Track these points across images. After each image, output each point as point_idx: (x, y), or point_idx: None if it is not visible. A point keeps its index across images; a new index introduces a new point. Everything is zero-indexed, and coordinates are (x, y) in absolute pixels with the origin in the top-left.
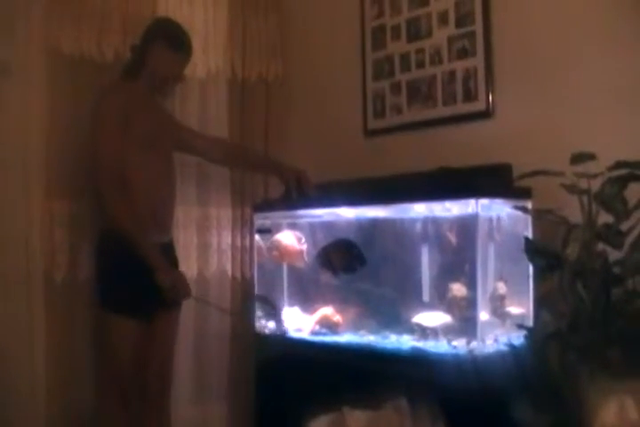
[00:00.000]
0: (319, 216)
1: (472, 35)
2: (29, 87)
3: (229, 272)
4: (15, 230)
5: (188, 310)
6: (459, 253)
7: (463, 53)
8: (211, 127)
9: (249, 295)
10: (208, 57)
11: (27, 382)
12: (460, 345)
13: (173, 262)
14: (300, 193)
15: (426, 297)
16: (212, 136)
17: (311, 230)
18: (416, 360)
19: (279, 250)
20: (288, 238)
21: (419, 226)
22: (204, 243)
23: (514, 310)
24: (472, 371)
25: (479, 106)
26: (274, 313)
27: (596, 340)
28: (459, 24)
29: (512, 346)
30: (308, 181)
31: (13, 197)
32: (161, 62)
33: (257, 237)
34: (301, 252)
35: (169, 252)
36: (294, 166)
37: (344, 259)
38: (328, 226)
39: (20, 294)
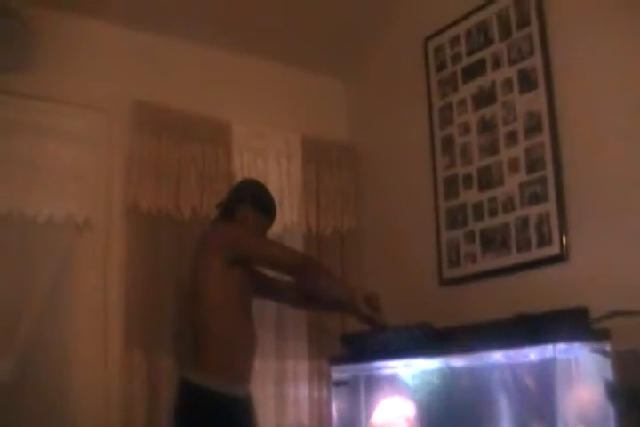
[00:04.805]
0: (397, 367)
1: (543, 180)
2: (109, 243)
3: (307, 425)
4: (94, 382)
5: None
6: (538, 398)
7: (535, 199)
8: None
9: None
10: (283, 212)
11: None
12: None
13: (252, 417)
14: (376, 328)
15: None
16: (286, 280)
17: (390, 382)
18: None
19: None
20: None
21: (497, 372)
22: (281, 395)
23: None
24: None
25: (553, 250)
26: None
27: None
28: (529, 170)
29: None
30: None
31: (93, 348)
32: (248, 221)
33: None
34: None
35: (248, 406)
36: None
37: None
38: (406, 376)
39: None
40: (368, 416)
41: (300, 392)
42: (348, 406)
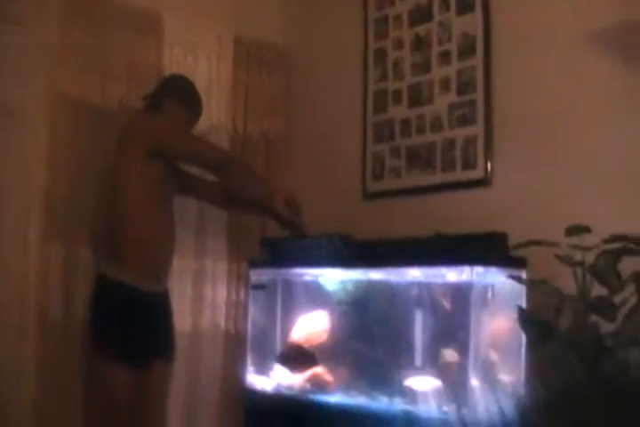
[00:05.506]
0: (315, 275)
1: (473, 103)
2: (32, 130)
3: (223, 326)
4: (11, 271)
5: (178, 365)
6: (452, 319)
7: (463, 121)
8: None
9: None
10: (210, 110)
11: (14, 425)
12: (450, 411)
13: (168, 313)
14: (295, 234)
15: (418, 361)
16: (209, 179)
17: (307, 289)
18: (406, 424)
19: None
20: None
21: (413, 290)
22: (199, 296)
23: (505, 377)
24: None
25: (477, 174)
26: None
27: (585, 411)
28: (460, 92)
29: (502, 414)
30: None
31: (11, 238)
32: (174, 115)
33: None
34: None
35: (164, 302)
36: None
37: (298, 361)
38: (323, 285)
39: (12, 334)
40: (283, 321)
41: (218, 294)
42: (264, 309)
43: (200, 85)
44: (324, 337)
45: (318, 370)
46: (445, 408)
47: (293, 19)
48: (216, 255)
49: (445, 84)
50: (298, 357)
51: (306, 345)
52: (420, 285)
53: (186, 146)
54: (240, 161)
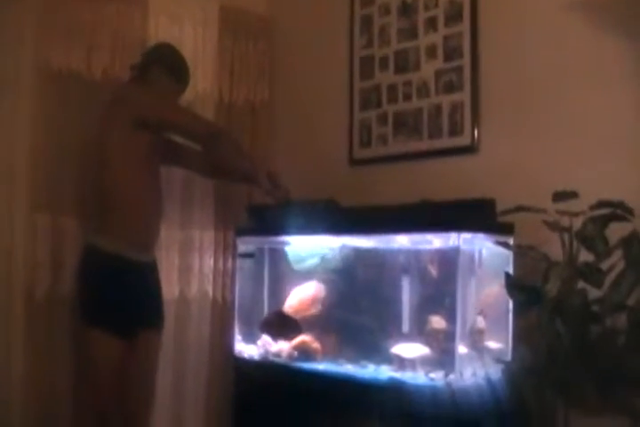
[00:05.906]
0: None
1: (459, 69)
2: (16, 100)
3: (210, 295)
4: None
5: (167, 334)
6: (439, 286)
7: (450, 87)
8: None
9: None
10: (196, 79)
11: (2, 399)
12: (437, 377)
13: (156, 283)
14: (279, 202)
15: (405, 328)
16: (196, 149)
17: None
18: (393, 391)
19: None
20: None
21: (400, 257)
22: (186, 265)
23: (492, 344)
24: (449, 403)
25: (464, 140)
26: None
27: (572, 376)
28: (447, 58)
29: (489, 380)
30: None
31: None
32: (159, 86)
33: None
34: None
35: (152, 272)
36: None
37: (281, 328)
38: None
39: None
40: (271, 288)
41: (205, 262)
42: (252, 277)
43: (186, 55)
44: (316, 309)
45: (305, 338)
46: (433, 375)
47: None
48: (203, 224)
49: (432, 51)
50: (281, 324)
51: (296, 315)
52: (406, 251)
53: (173, 118)
54: (227, 134)
